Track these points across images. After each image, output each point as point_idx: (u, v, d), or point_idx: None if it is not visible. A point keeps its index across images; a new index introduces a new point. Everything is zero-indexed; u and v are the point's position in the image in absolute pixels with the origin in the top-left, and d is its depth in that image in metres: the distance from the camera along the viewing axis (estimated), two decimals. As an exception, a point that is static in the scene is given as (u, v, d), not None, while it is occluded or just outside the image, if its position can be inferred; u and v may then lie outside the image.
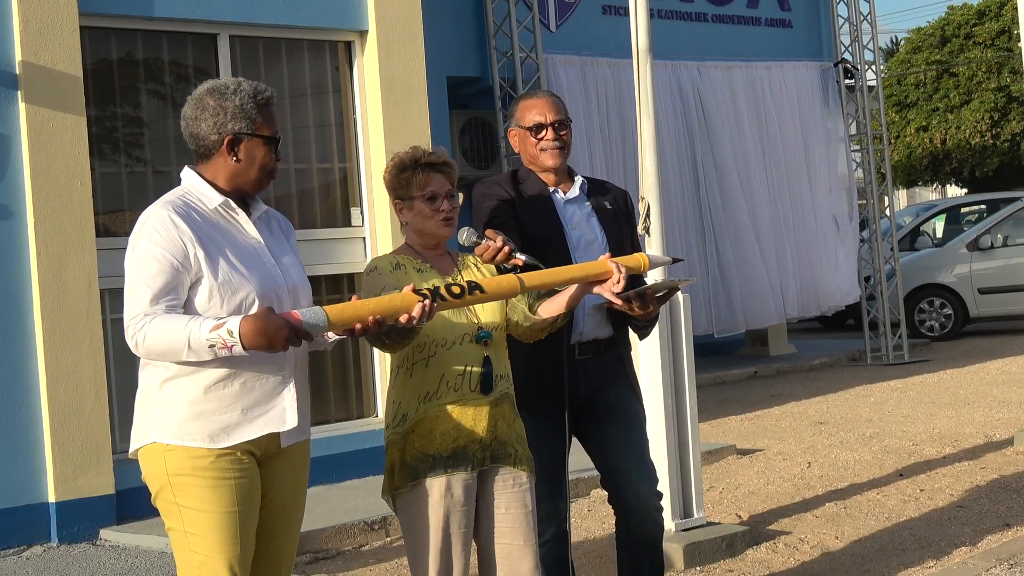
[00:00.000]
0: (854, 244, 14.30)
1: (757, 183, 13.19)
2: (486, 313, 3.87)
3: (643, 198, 6.11)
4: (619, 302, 3.83)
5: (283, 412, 3.44)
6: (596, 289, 3.82)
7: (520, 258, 3.83)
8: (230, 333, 3.16)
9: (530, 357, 4.20)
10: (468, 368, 3.79)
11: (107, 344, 7.21)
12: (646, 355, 6.08)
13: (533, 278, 3.67)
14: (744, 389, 12.51)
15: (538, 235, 4.30)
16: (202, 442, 3.33)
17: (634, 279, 4.14)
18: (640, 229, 5.94)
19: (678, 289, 4.11)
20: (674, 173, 12.38)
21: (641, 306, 3.95)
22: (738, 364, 14.01)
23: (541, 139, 4.46)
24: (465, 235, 3.88)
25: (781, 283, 13.26)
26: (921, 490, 7.31)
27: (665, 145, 11.94)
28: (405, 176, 3.85)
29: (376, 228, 8.37)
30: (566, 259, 4.29)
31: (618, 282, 3.75)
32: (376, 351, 8.17)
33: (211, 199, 3.45)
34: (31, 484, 6.95)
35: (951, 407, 10.38)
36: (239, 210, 3.48)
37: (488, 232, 3.91)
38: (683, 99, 12.68)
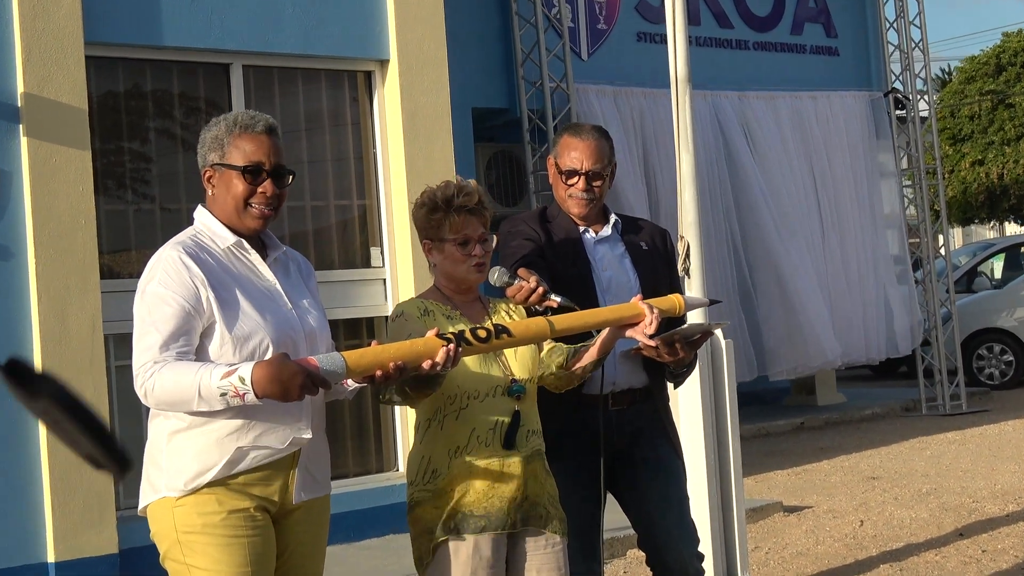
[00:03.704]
0: (908, 286, 14.22)
1: (806, 220, 13.14)
2: (519, 365, 3.87)
3: (682, 237, 6.10)
4: (651, 343, 3.83)
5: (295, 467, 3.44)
6: (628, 332, 3.82)
7: (555, 299, 3.84)
8: (242, 380, 3.17)
9: (561, 409, 4.19)
10: (500, 421, 3.79)
11: (112, 393, 7.22)
12: (686, 405, 6.05)
13: (563, 321, 3.67)
14: (791, 441, 12.42)
15: (566, 276, 4.31)
16: (219, 474, 3.33)
17: (673, 322, 4.12)
18: (679, 270, 5.93)
19: (711, 333, 4.09)
20: (712, 209, 12.36)
21: (670, 352, 3.94)
22: (784, 414, 13.92)
23: (571, 186, 4.47)
24: (496, 275, 3.89)
25: (831, 327, 13.16)
26: (983, 551, 7.23)
27: (706, 181, 11.94)
28: (437, 217, 3.85)
29: (397, 269, 8.38)
30: (594, 302, 4.30)
31: (650, 324, 3.75)
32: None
33: (223, 239, 3.48)
34: (29, 542, 6.94)
35: (1014, 461, 10.28)
36: (252, 251, 3.50)
37: (520, 272, 3.92)
38: (723, 131, 12.67)
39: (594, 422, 4.26)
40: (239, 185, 3.47)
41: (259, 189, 3.48)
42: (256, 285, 3.47)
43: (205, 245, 3.46)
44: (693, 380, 5.97)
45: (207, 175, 3.53)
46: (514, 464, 3.79)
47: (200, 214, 3.55)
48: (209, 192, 3.54)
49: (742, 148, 12.73)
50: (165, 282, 3.33)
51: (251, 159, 3.48)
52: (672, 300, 3.96)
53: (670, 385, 4.62)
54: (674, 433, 4.61)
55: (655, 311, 3.78)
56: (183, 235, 3.49)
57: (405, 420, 8.19)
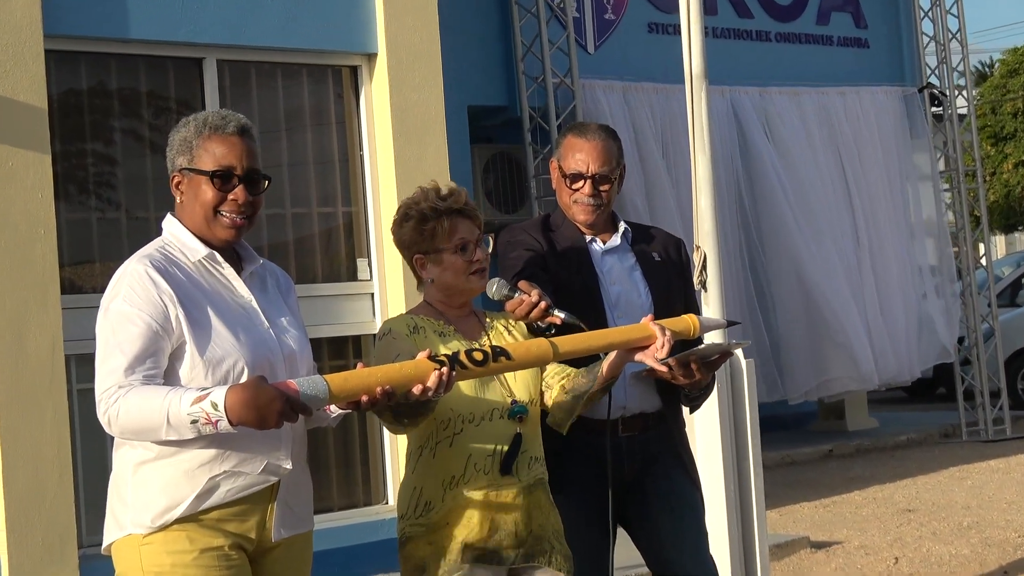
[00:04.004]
0: (946, 299, 14.21)
1: (837, 226, 13.14)
2: (520, 385, 3.87)
3: (698, 247, 6.10)
4: (662, 368, 3.83)
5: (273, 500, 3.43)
6: (638, 356, 3.82)
7: (558, 315, 3.83)
8: (214, 406, 3.16)
9: (565, 435, 4.18)
10: (498, 448, 3.78)
11: (73, 419, 7.21)
12: (703, 431, 6.05)
13: (567, 343, 3.67)
14: (818, 470, 12.41)
15: (571, 291, 4.30)
16: (189, 509, 3.33)
17: (688, 342, 4.12)
18: (695, 283, 5.92)
19: (731, 354, 4.08)
20: (731, 216, 12.36)
21: (686, 374, 3.94)
22: (811, 441, 13.90)
23: (576, 190, 4.47)
24: (495, 287, 3.89)
25: (866, 344, 13.13)
26: (1029, 590, 7.23)
27: (723, 184, 11.94)
28: (429, 227, 3.86)
29: (386, 282, 8.38)
30: (602, 319, 4.30)
31: (662, 347, 3.75)
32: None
33: (194, 251, 3.47)
34: (-17, 583, 6.93)
35: (1063, 491, 10.28)
36: (226, 264, 3.50)
37: (521, 285, 3.92)
38: (743, 130, 12.68)
39: (602, 450, 4.25)
40: (208, 192, 3.47)
41: (230, 196, 3.47)
42: (230, 302, 3.47)
43: (174, 258, 3.45)
44: (711, 404, 5.96)
45: (175, 181, 3.53)
46: (514, 494, 3.79)
47: (169, 224, 3.55)
48: (178, 199, 3.54)
49: (763, 149, 12.73)
50: (130, 299, 3.32)
51: (221, 163, 3.47)
52: (686, 321, 3.96)
53: (685, 409, 4.62)
54: (690, 461, 4.60)
55: (667, 334, 3.77)
56: (150, 247, 3.49)
57: (395, 448, 8.18)
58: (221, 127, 3.50)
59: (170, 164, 3.54)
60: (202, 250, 3.47)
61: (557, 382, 3.94)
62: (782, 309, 12.75)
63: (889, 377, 13.54)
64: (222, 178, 3.47)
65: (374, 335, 7.81)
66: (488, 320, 4.00)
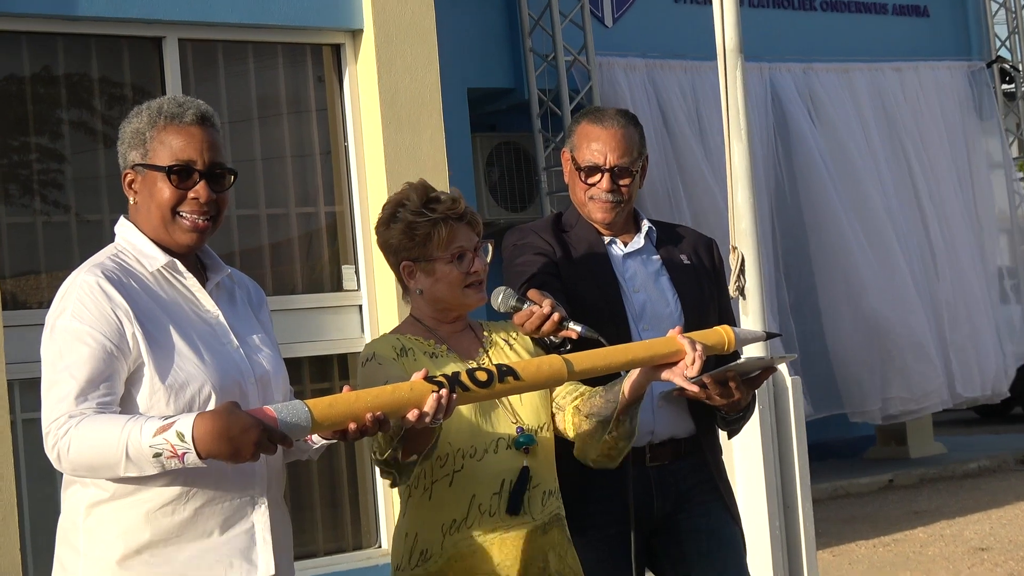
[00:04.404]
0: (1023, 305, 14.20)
1: (898, 222, 13.12)
2: (528, 409, 3.85)
3: (734, 248, 6.10)
4: (693, 388, 3.82)
5: (252, 548, 3.42)
6: (665, 374, 3.80)
7: (574, 329, 3.82)
8: (180, 437, 3.15)
9: (585, 466, 4.17)
10: (507, 484, 3.77)
11: (17, 452, 7.21)
12: (743, 459, 6.04)
13: (583, 360, 3.64)
14: (876, 504, 12.39)
15: (588, 301, 4.29)
16: None
17: (723, 358, 4.11)
18: (732, 290, 5.92)
19: (774, 369, 4.07)
20: (771, 213, 12.34)
21: (723, 393, 3.93)
22: (867, 470, 13.90)
23: (592, 185, 4.46)
24: (501, 298, 3.88)
25: (929, 357, 13.10)
26: (1122, 640, 7.20)
27: (761, 175, 11.92)
28: (421, 232, 3.84)
29: (376, 292, 8.38)
30: (624, 333, 4.28)
31: (692, 364, 3.73)
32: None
33: (152, 260, 3.46)
34: (-84, 642, 6.94)
35: None
36: (188, 275, 3.49)
37: (531, 294, 3.91)
38: (784, 113, 12.68)
39: (627, 483, 4.24)
40: (165, 190, 3.46)
41: (190, 194, 3.47)
42: (194, 318, 3.45)
43: (130, 268, 3.44)
44: (752, 428, 5.95)
45: (128, 179, 3.52)
46: (526, 535, 3.77)
47: (123, 228, 3.53)
48: (131, 200, 3.53)
49: (808, 134, 12.73)
50: (80, 315, 3.31)
51: (179, 157, 3.47)
52: (719, 333, 3.94)
53: (723, 435, 4.61)
54: (729, 495, 4.59)
55: (699, 348, 3.75)
56: (101, 255, 3.47)
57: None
58: (178, 115, 3.50)
59: (122, 160, 3.53)
60: (161, 258, 3.46)
61: (569, 402, 3.92)
62: (831, 318, 12.73)
63: (970, 394, 13.49)
64: (180, 174, 3.47)
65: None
66: (486, 334, 3.99)
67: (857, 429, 14.05)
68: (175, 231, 3.48)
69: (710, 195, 11.75)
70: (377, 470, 4.51)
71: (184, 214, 3.47)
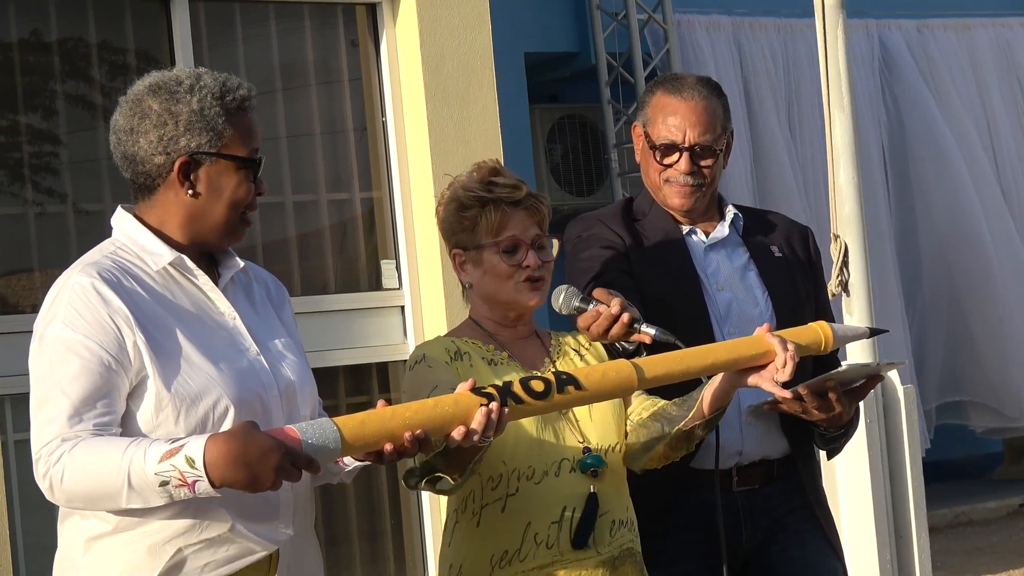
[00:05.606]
0: None
1: (1019, 202, 13.07)
2: (597, 425, 3.85)
3: (836, 236, 6.09)
4: (785, 394, 3.81)
5: None
6: (751, 379, 3.79)
7: (647, 332, 3.82)
8: (190, 462, 3.16)
9: (663, 492, 4.18)
10: (569, 512, 3.77)
11: (9, 477, 7.26)
12: (847, 482, 6.04)
13: (656, 365, 3.64)
14: (1004, 532, 12.35)
15: (664, 300, 4.30)
16: None
17: (820, 361, 4.11)
18: (833, 287, 5.91)
19: (881, 378, 4.06)
20: (880, 195, 12.28)
21: (821, 406, 3.91)
22: (993, 493, 13.83)
23: (669, 166, 4.46)
24: (563, 297, 3.89)
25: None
26: None
27: (871, 151, 11.88)
28: (471, 214, 3.86)
29: (421, 291, 8.40)
30: (706, 336, 4.28)
31: (783, 366, 3.72)
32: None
33: (157, 256, 3.47)
34: None
35: None
36: (200, 273, 3.50)
37: (597, 293, 3.91)
38: (894, 77, 12.63)
39: (712, 511, 4.23)
40: (240, 186, 3.48)
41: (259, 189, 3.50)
42: (206, 321, 3.46)
43: (130, 266, 3.44)
44: (856, 446, 5.94)
45: (182, 167, 3.45)
46: (591, 572, 3.77)
47: (121, 221, 3.53)
48: (188, 192, 3.47)
49: (923, 101, 12.68)
50: (72, 322, 3.31)
51: (254, 148, 3.49)
52: (815, 330, 3.94)
53: (822, 455, 4.61)
54: (829, 523, 4.59)
55: (791, 348, 3.74)
56: (96, 253, 3.47)
57: (437, 511, 8.19)
58: (245, 100, 3.49)
59: (163, 145, 3.45)
60: (167, 254, 3.45)
61: (642, 415, 3.92)
62: (958, 316, 12.69)
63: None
64: (255, 168, 3.49)
65: (405, 362, 7.85)
66: (554, 343, 4.00)
67: (982, 446, 13.96)
68: (237, 231, 3.49)
69: (786, 183, 11.65)
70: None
71: (248, 213, 3.50)
